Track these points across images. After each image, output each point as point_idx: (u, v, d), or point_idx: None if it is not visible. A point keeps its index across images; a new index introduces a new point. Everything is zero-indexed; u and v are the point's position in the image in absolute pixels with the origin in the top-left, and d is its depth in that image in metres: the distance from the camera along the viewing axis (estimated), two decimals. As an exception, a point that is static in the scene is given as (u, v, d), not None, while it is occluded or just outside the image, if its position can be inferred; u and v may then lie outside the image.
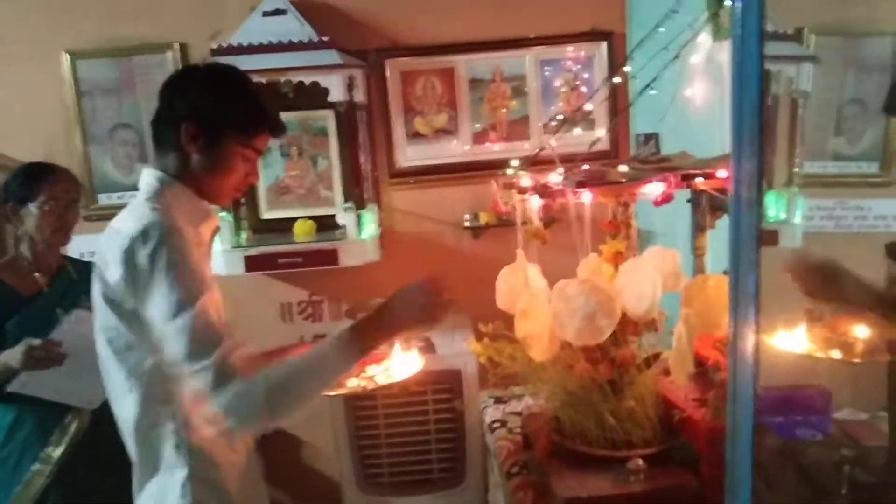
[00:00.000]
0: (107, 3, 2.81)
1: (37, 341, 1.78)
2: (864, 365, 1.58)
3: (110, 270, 1.29)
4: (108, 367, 1.36)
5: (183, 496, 1.36)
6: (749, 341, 0.85)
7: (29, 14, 2.81)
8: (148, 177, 1.39)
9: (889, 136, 2.21)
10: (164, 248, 1.24)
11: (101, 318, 1.34)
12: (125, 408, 1.33)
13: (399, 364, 1.54)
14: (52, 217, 1.95)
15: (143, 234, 1.25)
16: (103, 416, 1.59)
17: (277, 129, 1.45)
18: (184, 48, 2.80)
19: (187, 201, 1.38)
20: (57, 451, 1.92)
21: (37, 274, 1.99)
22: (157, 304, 1.24)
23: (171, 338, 1.24)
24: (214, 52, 2.53)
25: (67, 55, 2.80)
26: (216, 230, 1.49)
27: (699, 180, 1.32)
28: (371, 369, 1.50)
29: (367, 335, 1.34)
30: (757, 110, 0.83)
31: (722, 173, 1.27)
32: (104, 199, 2.87)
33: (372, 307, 1.43)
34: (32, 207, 1.93)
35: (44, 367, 1.78)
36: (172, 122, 1.36)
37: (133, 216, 1.31)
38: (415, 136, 2.94)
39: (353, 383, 1.45)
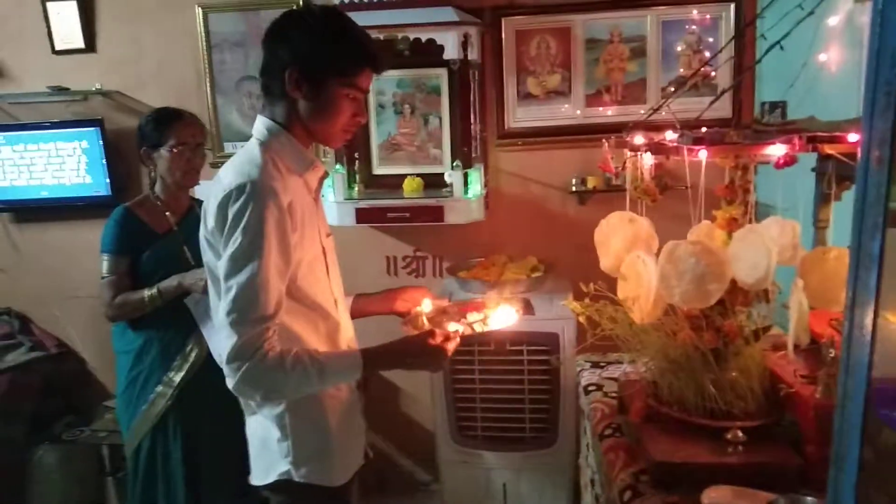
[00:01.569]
0: (238, -41, 2.94)
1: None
2: None
3: (209, 216, 1.36)
4: (213, 302, 1.46)
5: (281, 428, 1.46)
6: (868, 307, 0.80)
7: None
8: (259, 124, 1.44)
9: None
10: (251, 208, 1.29)
11: (205, 256, 1.43)
12: (224, 341, 1.38)
13: (497, 315, 1.56)
14: (181, 160, 2.09)
15: (239, 189, 1.30)
16: None
17: (379, 64, 1.44)
18: (308, 3, 2.88)
19: (293, 150, 1.43)
20: (178, 377, 2.09)
21: (167, 213, 2.14)
22: (225, 259, 1.32)
23: (223, 294, 1.32)
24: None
25: (200, 9, 2.95)
26: (324, 176, 1.53)
27: (827, 144, 1.24)
28: (471, 316, 1.53)
29: (373, 367, 1.44)
30: (897, 60, 0.77)
31: (853, 137, 1.19)
32: (230, 148, 3.04)
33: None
34: (164, 151, 2.08)
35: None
36: (276, 70, 1.38)
37: (237, 166, 1.37)
38: (526, 96, 2.91)
39: (452, 327, 1.49)
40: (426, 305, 1.60)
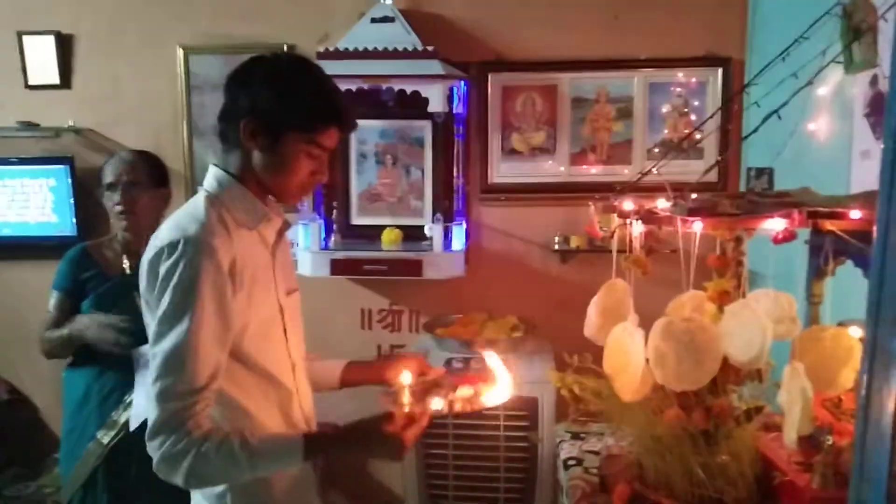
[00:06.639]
0: (221, 2, 2.90)
1: (107, 318, 1.87)
2: None
3: (142, 275, 1.25)
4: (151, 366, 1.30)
5: None
6: (888, 410, 0.72)
7: (148, 7, 2.93)
8: (209, 176, 1.33)
9: None
10: (182, 266, 1.18)
11: (145, 318, 1.28)
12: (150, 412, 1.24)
13: (489, 393, 1.44)
14: (110, 201, 1.99)
15: (171, 246, 1.19)
16: None
17: (346, 123, 1.33)
18: (292, 49, 2.84)
19: (245, 203, 1.31)
20: (107, 437, 1.93)
21: (125, 256, 2.03)
22: (155, 321, 1.20)
23: (151, 361, 1.20)
24: (320, 56, 2.55)
25: (181, 49, 2.90)
26: (284, 227, 1.42)
27: (827, 220, 1.18)
28: (461, 391, 1.40)
29: (316, 454, 1.28)
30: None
31: (855, 214, 1.13)
32: (203, 192, 2.94)
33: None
34: (102, 189, 2.01)
35: (108, 341, 1.86)
36: (234, 117, 1.28)
37: (176, 221, 1.26)
38: (511, 152, 2.86)
39: (436, 405, 1.36)
40: (405, 378, 1.42)
